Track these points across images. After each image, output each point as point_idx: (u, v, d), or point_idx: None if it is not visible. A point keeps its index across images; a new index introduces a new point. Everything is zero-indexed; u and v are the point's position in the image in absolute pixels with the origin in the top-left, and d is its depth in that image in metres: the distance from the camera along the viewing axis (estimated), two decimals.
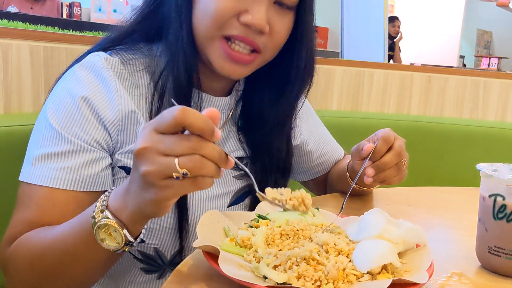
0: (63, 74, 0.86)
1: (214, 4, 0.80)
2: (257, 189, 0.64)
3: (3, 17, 1.80)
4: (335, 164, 1.18)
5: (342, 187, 1.10)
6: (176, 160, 0.55)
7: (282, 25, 0.84)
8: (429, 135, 1.84)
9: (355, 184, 0.97)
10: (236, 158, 0.95)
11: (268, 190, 0.65)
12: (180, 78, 0.81)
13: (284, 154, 0.98)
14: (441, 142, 1.83)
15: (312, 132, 1.14)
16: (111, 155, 0.82)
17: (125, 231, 0.64)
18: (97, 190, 0.79)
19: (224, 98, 0.94)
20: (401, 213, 1.00)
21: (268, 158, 0.95)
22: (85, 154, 0.78)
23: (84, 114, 0.78)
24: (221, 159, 0.58)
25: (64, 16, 3.81)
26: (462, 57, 9.53)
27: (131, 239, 0.65)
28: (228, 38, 0.82)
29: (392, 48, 5.73)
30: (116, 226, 0.63)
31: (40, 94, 1.24)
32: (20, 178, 0.79)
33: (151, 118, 0.82)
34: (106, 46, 0.86)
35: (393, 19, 6.21)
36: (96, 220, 0.64)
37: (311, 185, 1.21)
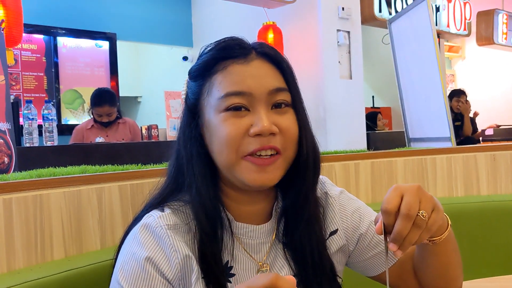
0: (126, 232, 0.99)
1: (224, 133, 0.91)
2: None
3: (94, 153, 2.06)
4: None
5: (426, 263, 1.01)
6: None
7: (287, 120, 0.94)
8: (502, 214, 1.81)
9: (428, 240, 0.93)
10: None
11: None
12: (205, 227, 0.93)
13: (326, 261, 1.01)
14: None
15: (353, 217, 1.09)
16: None
17: None
18: None
19: (265, 224, 1.00)
20: None
21: (312, 269, 0.98)
22: None
23: (150, 273, 0.90)
24: None
25: (144, 138, 4.22)
26: None
27: None
28: (250, 154, 0.91)
29: (458, 119, 5.60)
30: None
31: None
32: None
33: (199, 259, 0.92)
34: (157, 202, 0.99)
35: (458, 94, 5.88)
36: None
37: (393, 279, 1.07)
